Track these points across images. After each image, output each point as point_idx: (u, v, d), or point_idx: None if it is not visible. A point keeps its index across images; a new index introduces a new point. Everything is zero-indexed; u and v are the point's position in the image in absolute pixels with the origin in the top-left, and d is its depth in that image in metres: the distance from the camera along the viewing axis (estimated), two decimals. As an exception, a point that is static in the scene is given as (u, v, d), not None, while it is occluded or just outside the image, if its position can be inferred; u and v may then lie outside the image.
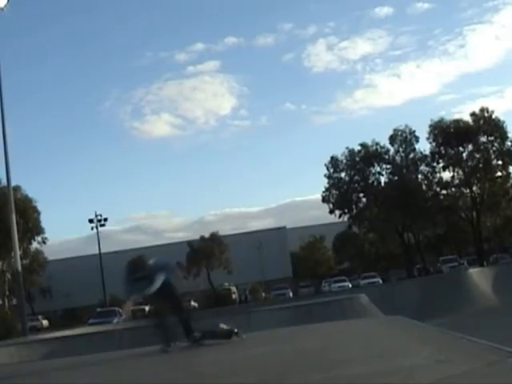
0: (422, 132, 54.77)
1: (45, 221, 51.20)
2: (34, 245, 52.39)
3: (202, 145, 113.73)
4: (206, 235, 60.49)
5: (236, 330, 8.44)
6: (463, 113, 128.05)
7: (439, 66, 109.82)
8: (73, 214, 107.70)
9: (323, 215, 62.29)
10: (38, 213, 49.64)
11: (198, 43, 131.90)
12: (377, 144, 55.80)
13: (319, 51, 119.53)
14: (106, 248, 60.76)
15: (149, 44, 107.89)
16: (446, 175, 54.95)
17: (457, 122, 53.55)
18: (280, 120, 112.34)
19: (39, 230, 50.12)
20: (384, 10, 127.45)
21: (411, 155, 55.29)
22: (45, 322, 55.19)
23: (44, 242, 52.19)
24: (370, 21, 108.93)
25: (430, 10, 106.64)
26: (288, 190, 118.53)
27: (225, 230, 65.61)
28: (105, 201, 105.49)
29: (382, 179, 56.91)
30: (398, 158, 55.72)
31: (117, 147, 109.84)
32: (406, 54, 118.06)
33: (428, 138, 53.88)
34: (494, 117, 52.91)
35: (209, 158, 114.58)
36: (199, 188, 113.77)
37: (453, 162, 53.52)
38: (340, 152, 56.44)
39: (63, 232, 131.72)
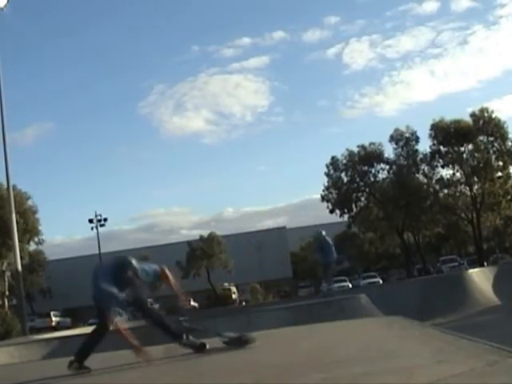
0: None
1: (46, 221, 51.22)
2: (32, 246, 52.28)
3: (209, 146, 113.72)
4: (201, 236, 60.44)
5: (245, 337, 7.46)
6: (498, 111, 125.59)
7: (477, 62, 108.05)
8: (79, 214, 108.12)
9: (320, 216, 62.43)
10: (37, 213, 49.55)
11: (244, 38, 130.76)
12: (376, 144, 55.84)
13: (363, 49, 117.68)
14: (116, 248, 60.86)
15: (193, 40, 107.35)
16: (446, 174, 54.99)
17: (457, 121, 53.57)
18: (312, 117, 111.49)
19: (37, 231, 49.97)
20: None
21: (413, 155, 55.30)
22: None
23: (40, 243, 52.02)
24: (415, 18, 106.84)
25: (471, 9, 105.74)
26: (283, 191, 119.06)
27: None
28: (108, 201, 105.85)
29: (382, 179, 56.92)
30: (398, 158, 55.72)
31: (132, 145, 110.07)
32: (445, 51, 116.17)
33: (430, 136, 53.93)
34: (494, 117, 52.97)
35: (200, 159, 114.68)
36: (195, 189, 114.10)
37: (453, 161, 53.56)
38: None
39: (70, 232, 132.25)
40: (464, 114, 53.86)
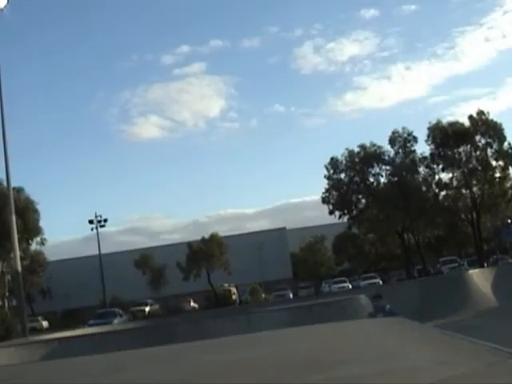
0: (416, 134, 55.17)
1: (43, 222, 50.83)
2: (33, 246, 52.21)
3: (192, 147, 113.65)
4: (201, 237, 60.30)
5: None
6: (455, 115, 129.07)
7: (429, 67, 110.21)
8: (69, 215, 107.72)
9: (319, 216, 62.39)
10: (38, 213, 49.45)
11: (183, 45, 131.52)
12: (374, 145, 55.85)
13: (306, 53, 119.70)
14: (101, 249, 60.70)
15: (135, 46, 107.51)
16: (445, 176, 55.01)
17: (455, 124, 53.62)
18: (269, 122, 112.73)
19: (38, 231, 49.90)
20: (370, 13, 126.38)
21: (411, 156, 55.34)
22: (45, 323, 55.14)
23: (43, 243, 51.99)
24: (356, 23, 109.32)
25: (418, 12, 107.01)
26: (282, 192, 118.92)
27: (220, 231, 65.25)
28: (100, 202, 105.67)
29: (382, 180, 56.95)
30: (397, 160, 55.74)
31: (107, 149, 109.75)
32: (394, 55, 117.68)
33: (427, 140, 53.98)
34: (491, 119, 53.04)
35: (200, 160, 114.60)
36: (192, 190, 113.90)
37: (451, 163, 53.59)
38: (333, 153, 56.70)
39: (59, 233, 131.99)
40: (462, 115, 54.18)
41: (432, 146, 54.04)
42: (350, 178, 56.25)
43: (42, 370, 8.76)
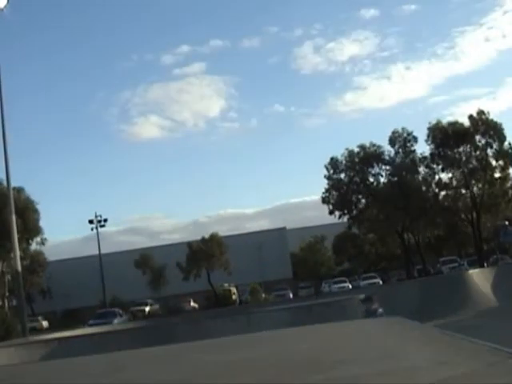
0: (417, 134, 55.26)
1: (43, 222, 50.85)
2: (34, 246, 52.24)
3: (192, 147, 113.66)
4: (201, 237, 60.29)
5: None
6: (455, 115, 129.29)
7: (429, 67, 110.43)
8: (69, 215, 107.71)
9: (319, 216, 62.49)
10: (38, 213, 49.45)
11: (183, 45, 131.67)
12: (374, 145, 55.85)
13: (306, 53, 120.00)
14: (101, 249, 60.70)
15: (135, 46, 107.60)
16: (445, 176, 55.02)
17: (455, 124, 53.62)
18: (269, 122, 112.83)
19: (38, 231, 49.93)
20: (370, 13, 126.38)
21: (411, 156, 55.36)
22: (45, 323, 55.15)
23: (43, 243, 52.03)
24: (356, 23, 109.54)
25: (418, 12, 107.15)
26: (282, 192, 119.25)
27: (220, 231, 65.31)
28: (100, 202, 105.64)
29: (382, 180, 56.95)
30: (397, 160, 55.74)
31: (107, 149, 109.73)
32: (394, 55, 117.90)
33: (427, 140, 53.99)
34: (491, 118, 53.03)
35: (200, 160, 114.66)
36: (192, 190, 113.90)
37: (451, 163, 53.59)
38: (333, 153, 56.80)
39: (59, 233, 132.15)
40: (462, 115, 54.24)
41: (432, 146, 54.11)
42: (350, 178, 56.26)
43: (42, 370, 8.76)
